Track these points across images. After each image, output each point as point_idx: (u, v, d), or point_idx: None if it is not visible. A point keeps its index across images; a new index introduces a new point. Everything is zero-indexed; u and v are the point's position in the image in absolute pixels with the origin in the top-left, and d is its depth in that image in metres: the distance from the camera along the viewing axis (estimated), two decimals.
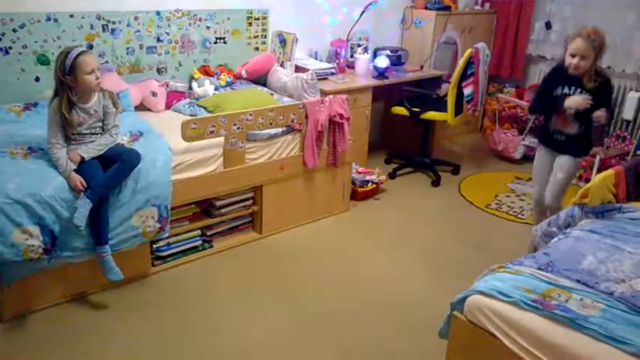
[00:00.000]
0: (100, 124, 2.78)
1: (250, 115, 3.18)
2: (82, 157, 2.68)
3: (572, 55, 2.90)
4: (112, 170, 2.68)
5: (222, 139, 3.12)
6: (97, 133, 2.78)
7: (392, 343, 2.61)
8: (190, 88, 3.90)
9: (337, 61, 4.57)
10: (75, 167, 2.61)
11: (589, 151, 3.23)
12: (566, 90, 3.02)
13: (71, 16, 3.42)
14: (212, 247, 3.32)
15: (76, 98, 2.66)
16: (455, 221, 3.87)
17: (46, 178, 2.56)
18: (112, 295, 2.84)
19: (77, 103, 2.67)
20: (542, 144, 3.30)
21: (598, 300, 1.94)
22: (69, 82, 2.60)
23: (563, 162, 3.14)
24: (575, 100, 2.96)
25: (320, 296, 2.95)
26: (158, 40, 3.81)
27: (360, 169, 4.26)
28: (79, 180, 2.57)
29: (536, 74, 5.48)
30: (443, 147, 5.30)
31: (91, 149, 2.73)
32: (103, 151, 2.76)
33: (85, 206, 2.54)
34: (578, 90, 2.97)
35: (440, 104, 4.40)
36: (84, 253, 2.67)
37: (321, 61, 4.64)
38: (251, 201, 3.45)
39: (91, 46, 3.49)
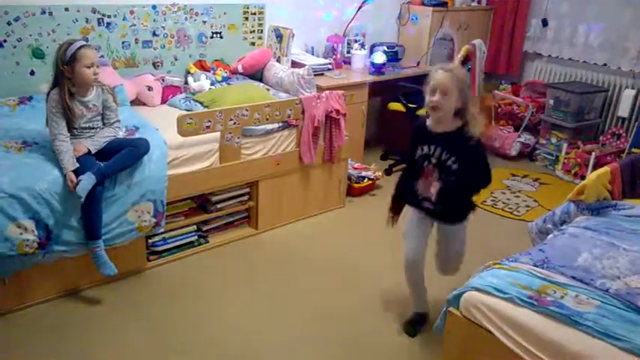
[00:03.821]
0: (100, 118, 2.79)
1: (246, 110, 3.17)
2: (89, 150, 2.69)
3: (433, 91, 2.27)
4: (120, 154, 2.69)
5: (218, 134, 3.11)
6: (97, 127, 2.78)
7: (388, 338, 2.62)
8: (186, 82, 3.88)
9: (334, 57, 4.56)
10: (77, 166, 2.58)
11: (469, 213, 2.53)
12: (426, 149, 2.39)
13: (66, 9, 3.39)
14: (208, 242, 3.31)
15: (74, 90, 2.66)
16: None
17: (41, 172, 2.55)
18: (106, 290, 2.83)
19: (76, 95, 2.67)
20: (413, 206, 2.58)
21: (593, 297, 1.95)
22: (67, 72, 2.60)
23: (448, 234, 2.59)
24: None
25: (315, 292, 2.94)
26: (154, 34, 3.79)
27: (356, 165, 4.26)
28: (71, 179, 2.53)
29: (532, 71, 5.48)
30: None
31: (96, 141, 2.74)
32: (105, 144, 2.76)
33: (88, 180, 2.53)
34: (439, 149, 2.34)
35: None
36: (79, 247, 2.66)
37: (317, 56, 4.62)
38: (247, 196, 3.44)
39: (86, 40, 3.46)
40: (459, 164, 2.32)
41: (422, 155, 2.42)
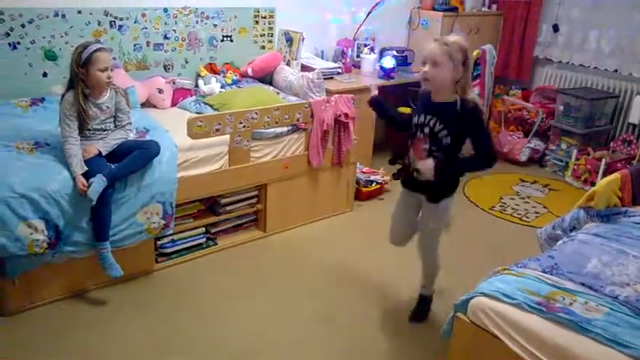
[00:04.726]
0: (112, 120, 2.82)
1: (256, 113, 3.18)
2: (99, 152, 2.71)
3: (424, 62, 2.32)
4: (131, 156, 2.71)
5: (227, 137, 3.13)
6: (108, 129, 2.81)
7: (395, 343, 2.61)
8: (197, 85, 3.90)
9: (343, 61, 4.57)
10: (86, 169, 2.60)
11: (454, 191, 2.54)
12: (422, 119, 2.41)
13: (79, 12, 3.43)
14: (216, 244, 3.32)
15: (88, 92, 2.69)
16: (459, 223, 3.84)
17: (52, 173, 2.57)
18: (114, 291, 2.85)
19: (89, 97, 2.70)
20: (402, 184, 2.66)
21: (602, 303, 1.93)
22: (81, 74, 2.63)
23: (426, 209, 2.56)
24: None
25: (322, 294, 2.94)
26: (165, 37, 3.82)
27: (364, 169, 4.26)
28: (82, 183, 2.56)
29: (543, 77, 5.46)
30: None
31: (107, 143, 2.76)
32: (116, 146, 2.78)
33: (99, 182, 2.55)
34: (434, 119, 2.36)
35: None
36: (88, 248, 2.67)
37: (327, 60, 4.64)
38: (256, 199, 3.45)
39: (98, 43, 3.50)
40: (451, 139, 2.37)
41: (417, 124, 2.44)
